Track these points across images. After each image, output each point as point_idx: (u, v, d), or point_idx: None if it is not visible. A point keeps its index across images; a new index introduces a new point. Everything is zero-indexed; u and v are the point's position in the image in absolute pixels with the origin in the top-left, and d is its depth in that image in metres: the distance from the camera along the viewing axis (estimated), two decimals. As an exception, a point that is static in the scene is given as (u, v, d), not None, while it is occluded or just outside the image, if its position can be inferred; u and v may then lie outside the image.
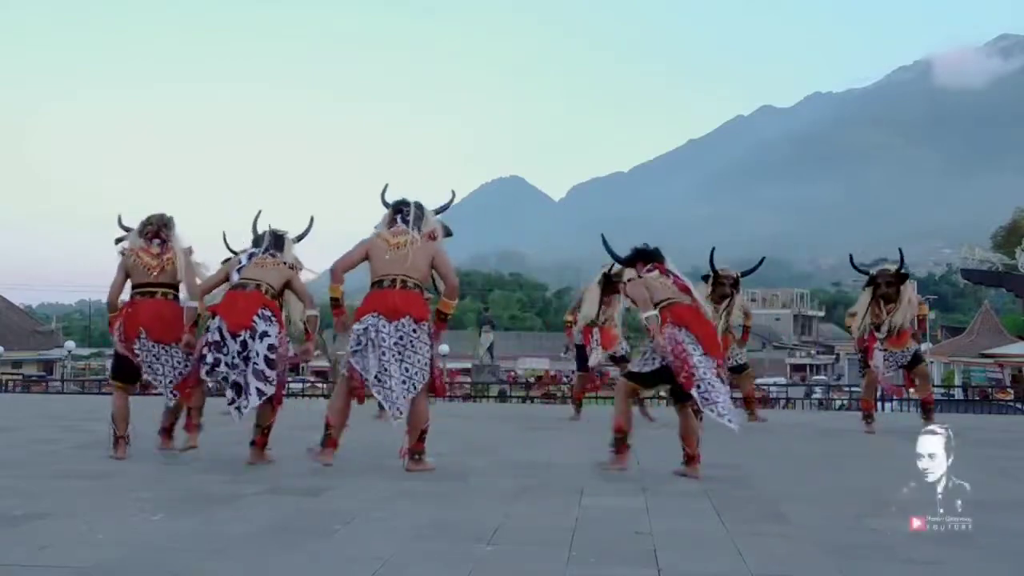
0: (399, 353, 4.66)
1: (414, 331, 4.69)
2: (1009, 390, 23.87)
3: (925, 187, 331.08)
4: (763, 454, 5.99)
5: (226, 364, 4.82)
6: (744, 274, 8.18)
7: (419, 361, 4.70)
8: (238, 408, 4.84)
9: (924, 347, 7.78)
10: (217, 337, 4.84)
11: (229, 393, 4.85)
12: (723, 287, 7.90)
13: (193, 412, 5.25)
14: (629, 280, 5.05)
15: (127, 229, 5.71)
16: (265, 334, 4.87)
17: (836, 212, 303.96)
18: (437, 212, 5.20)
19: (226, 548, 3.10)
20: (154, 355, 5.24)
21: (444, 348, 31.83)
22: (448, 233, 5.20)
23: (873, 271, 7.69)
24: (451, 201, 5.40)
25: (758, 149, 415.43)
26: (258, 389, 4.83)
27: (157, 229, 5.41)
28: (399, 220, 4.96)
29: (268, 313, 4.94)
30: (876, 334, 7.49)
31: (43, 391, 20.58)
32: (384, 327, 4.64)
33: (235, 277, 5.18)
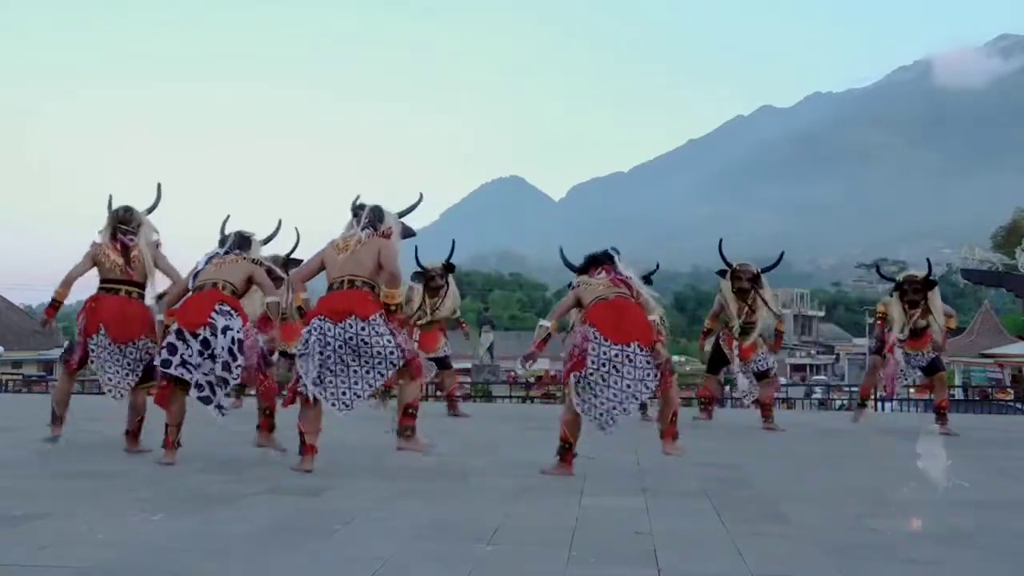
0: (353, 351, 4.68)
1: (363, 328, 4.66)
2: (1009, 390, 23.87)
3: (925, 187, 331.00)
4: (763, 454, 5.99)
5: (185, 364, 4.83)
6: (764, 270, 8.07)
7: (379, 353, 4.69)
8: (218, 407, 4.89)
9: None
10: (173, 339, 4.88)
11: (199, 393, 4.87)
12: (740, 281, 7.75)
13: (171, 429, 5.08)
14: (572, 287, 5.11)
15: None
16: (227, 328, 4.91)
17: (836, 212, 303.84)
18: (402, 214, 5.22)
19: (226, 548, 3.09)
20: (108, 353, 5.40)
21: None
22: (409, 233, 5.24)
23: (899, 277, 7.71)
24: (417, 203, 5.40)
25: (758, 149, 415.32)
26: (223, 379, 4.90)
27: (113, 229, 5.55)
28: (354, 224, 5.02)
29: (227, 308, 4.98)
30: (899, 335, 7.51)
31: (43, 391, 20.59)
32: (329, 329, 4.66)
33: (191, 283, 5.24)
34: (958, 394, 22.79)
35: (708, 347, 8.35)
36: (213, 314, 4.90)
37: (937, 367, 7.74)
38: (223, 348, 4.87)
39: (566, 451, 4.88)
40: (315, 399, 4.70)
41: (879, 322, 7.92)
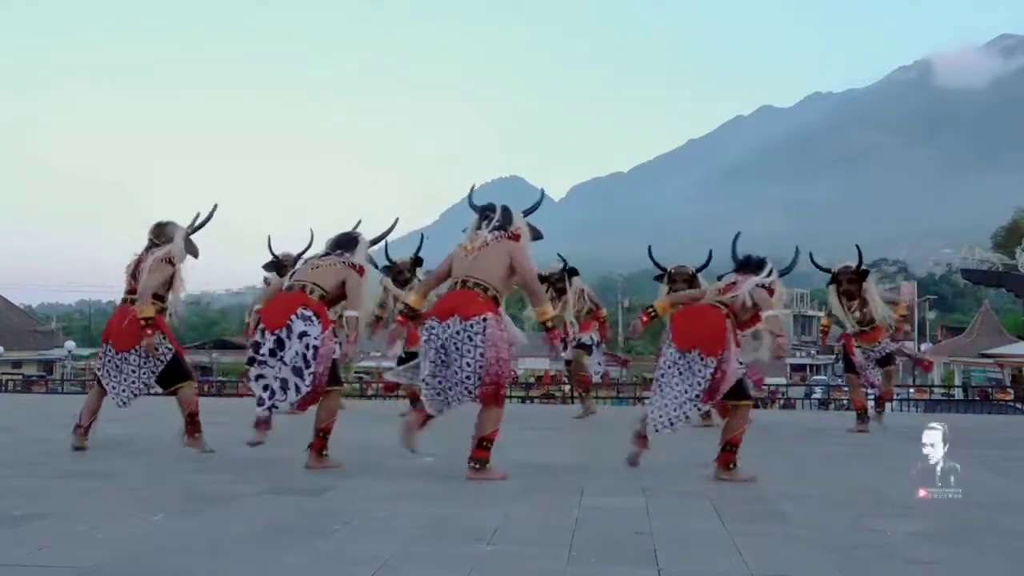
0: (447, 353, 4.52)
1: (457, 332, 4.49)
2: (1009, 390, 23.86)
3: (925, 187, 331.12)
4: (763, 454, 5.99)
5: (259, 362, 4.78)
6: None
7: (468, 365, 4.48)
8: (273, 406, 4.77)
9: (924, 347, 7.79)
10: (258, 337, 4.82)
11: (263, 394, 4.77)
12: (676, 284, 7.60)
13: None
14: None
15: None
16: (304, 333, 4.76)
17: (836, 212, 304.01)
18: (526, 213, 5.02)
19: (226, 548, 3.09)
20: (111, 361, 5.52)
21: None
22: (538, 235, 5.02)
23: (834, 268, 7.66)
24: (538, 203, 5.26)
25: (758, 149, 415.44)
26: (296, 385, 4.76)
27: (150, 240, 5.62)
28: (483, 225, 4.84)
29: (308, 313, 4.80)
30: (850, 331, 7.55)
31: (43, 391, 20.58)
32: (434, 327, 4.56)
33: (285, 284, 5.20)
34: (958, 394, 22.78)
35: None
36: (293, 317, 4.76)
37: (889, 361, 7.73)
38: (296, 354, 4.73)
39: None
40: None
41: (823, 335, 7.91)
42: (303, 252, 7.98)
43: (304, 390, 4.75)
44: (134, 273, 5.59)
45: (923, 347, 39.69)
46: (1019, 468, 5.70)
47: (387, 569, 2.83)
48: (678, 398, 4.65)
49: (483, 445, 4.65)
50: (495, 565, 2.90)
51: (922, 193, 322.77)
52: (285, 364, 4.75)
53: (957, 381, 33.40)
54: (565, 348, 8.03)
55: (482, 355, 4.46)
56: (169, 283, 5.58)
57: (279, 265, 8.05)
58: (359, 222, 5.58)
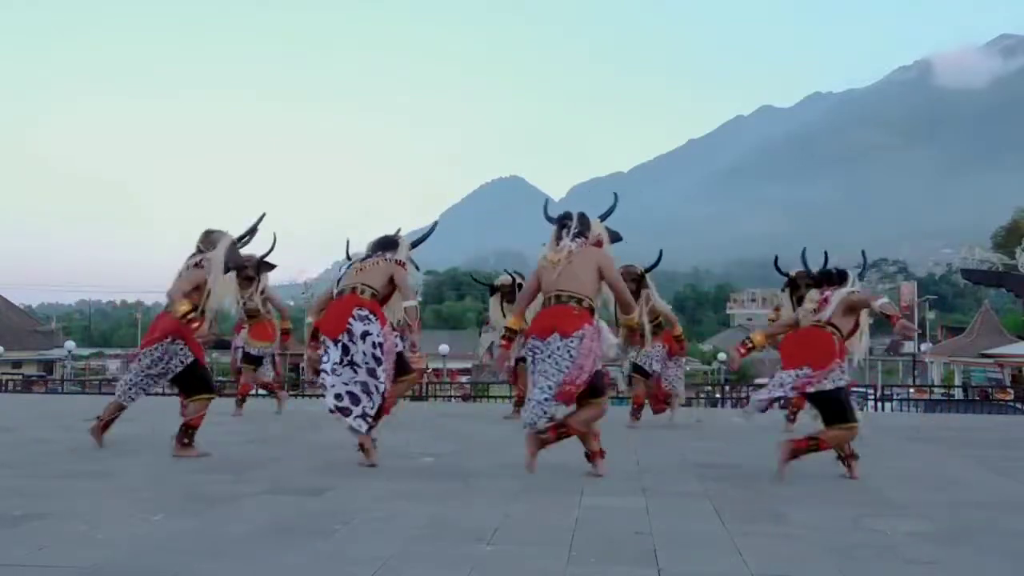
0: (553, 365, 4.54)
1: (558, 348, 4.52)
2: (1009, 390, 23.88)
3: (925, 187, 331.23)
4: (763, 454, 5.99)
5: (325, 373, 4.81)
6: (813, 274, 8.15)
7: (555, 375, 4.52)
8: (362, 417, 4.75)
9: (924, 347, 7.84)
10: (323, 349, 4.86)
11: (343, 402, 4.76)
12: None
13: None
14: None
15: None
16: (366, 333, 4.80)
17: (835, 212, 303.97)
18: (602, 217, 5.07)
19: (226, 548, 3.09)
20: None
21: (444, 348, 31.84)
22: (617, 238, 5.09)
23: (792, 272, 7.59)
24: (613, 207, 5.28)
25: (758, 149, 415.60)
26: (375, 387, 4.80)
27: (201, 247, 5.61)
28: (564, 235, 4.83)
29: (364, 312, 4.85)
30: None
31: (43, 391, 20.59)
32: (537, 346, 4.59)
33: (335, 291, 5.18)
34: (958, 394, 22.79)
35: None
36: (350, 320, 4.80)
37: None
38: (366, 354, 4.76)
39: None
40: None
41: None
42: (266, 255, 8.08)
43: (382, 389, 4.81)
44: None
45: (923, 347, 39.72)
46: (1019, 468, 5.70)
47: (387, 569, 2.83)
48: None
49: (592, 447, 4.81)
50: (495, 565, 2.90)
51: (922, 193, 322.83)
52: (359, 367, 4.76)
53: (957, 381, 33.43)
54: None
55: (570, 366, 4.52)
56: (201, 289, 5.49)
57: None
58: (398, 230, 5.61)
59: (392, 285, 5.10)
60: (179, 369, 5.41)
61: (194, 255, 5.57)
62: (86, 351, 49.00)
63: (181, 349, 5.39)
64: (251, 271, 8.11)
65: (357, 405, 4.76)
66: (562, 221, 4.89)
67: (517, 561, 2.97)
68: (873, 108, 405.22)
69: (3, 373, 24.70)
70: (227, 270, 5.54)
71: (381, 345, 4.82)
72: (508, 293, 8.48)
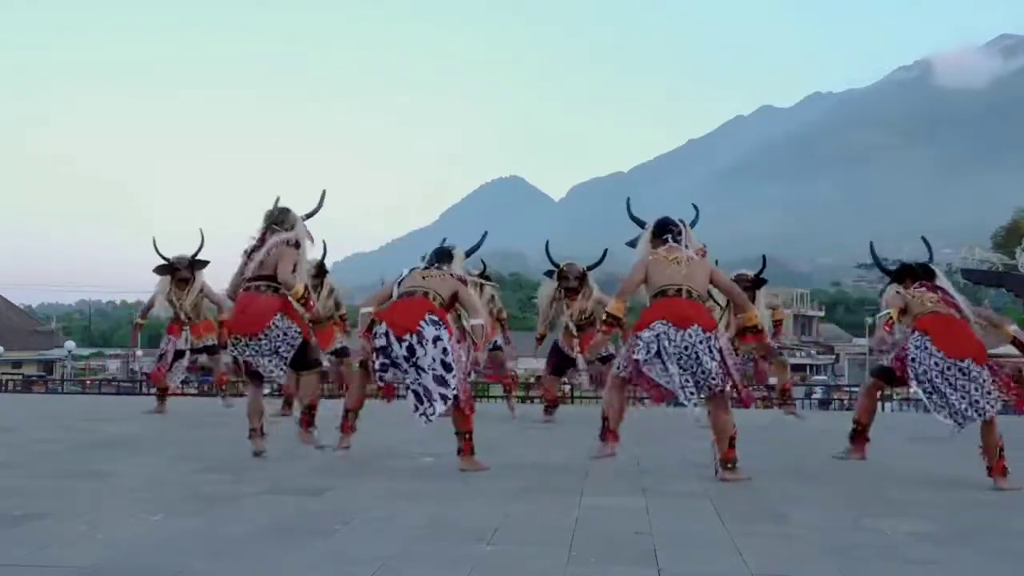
0: (686, 360, 4.63)
1: (700, 341, 4.62)
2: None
3: (925, 187, 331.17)
4: (763, 454, 5.99)
5: (397, 369, 4.78)
6: (760, 276, 8.28)
7: (707, 371, 4.63)
8: (424, 415, 4.72)
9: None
10: (383, 342, 4.78)
11: (411, 399, 4.77)
12: (567, 280, 7.98)
13: (350, 414, 5.34)
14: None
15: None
16: (437, 339, 4.73)
17: (836, 212, 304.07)
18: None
19: (226, 548, 3.09)
20: (254, 350, 5.23)
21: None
22: (703, 252, 5.27)
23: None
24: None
25: (758, 149, 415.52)
26: (442, 395, 4.69)
27: (268, 225, 5.45)
28: (669, 239, 5.01)
29: (435, 319, 4.79)
30: None
31: (43, 391, 20.59)
32: (673, 336, 4.64)
33: (395, 291, 5.12)
34: (958, 394, 22.74)
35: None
36: (422, 323, 4.73)
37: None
38: (434, 360, 4.70)
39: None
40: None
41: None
42: (195, 253, 8.11)
43: (451, 396, 4.72)
44: (251, 255, 5.35)
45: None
46: (1019, 468, 5.70)
47: (387, 569, 2.83)
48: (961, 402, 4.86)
49: (732, 445, 4.77)
50: (495, 565, 2.90)
51: (922, 193, 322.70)
52: (424, 371, 4.70)
53: (957, 381, 33.33)
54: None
55: (719, 365, 4.67)
56: (294, 267, 5.37)
57: (171, 269, 8.16)
58: (443, 240, 5.73)
59: (454, 300, 5.07)
60: (295, 346, 5.29)
61: (269, 234, 5.33)
62: (86, 351, 48.97)
63: (290, 326, 5.26)
64: (185, 272, 8.17)
65: (423, 404, 4.73)
66: (663, 227, 5.11)
67: (517, 561, 2.97)
68: (873, 108, 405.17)
69: (3, 373, 24.67)
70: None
71: (450, 352, 4.75)
72: (574, 279, 8.31)
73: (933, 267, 5.47)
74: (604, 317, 5.07)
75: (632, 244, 5.30)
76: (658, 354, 4.66)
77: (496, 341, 8.52)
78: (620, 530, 3.44)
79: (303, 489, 4.27)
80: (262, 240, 5.38)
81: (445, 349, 4.72)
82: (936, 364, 4.84)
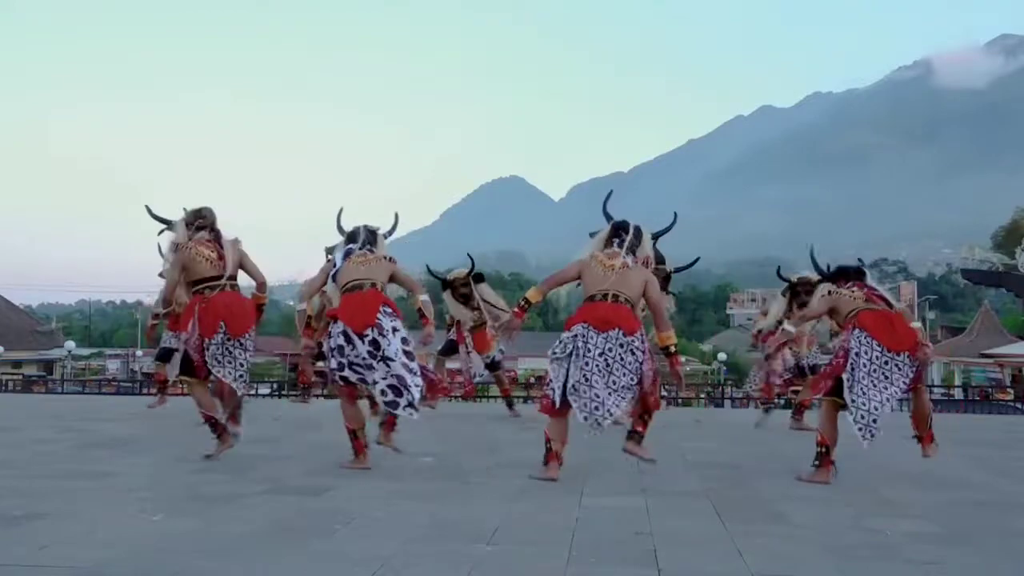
0: (606, 365, 4.57)
1: (621, 345, 4.59)
2: (1009, 390, 23.86)
3: (925, 187, 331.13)
4: (763, 454, 5.99)
5: (355, 367, 4.80)
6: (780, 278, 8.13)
7: (625, 376, 4.59)
8: (409, 406, 4.78)
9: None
10: (341, 341, 4.81)
11: (388, 396, 4.78)
12: (457, 289, 8.33)
13: (359, 432, 5.04)
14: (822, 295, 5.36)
15: (165, 221, 5.71)
16: (395, 328, 4.85)
17: (836, 211, 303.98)
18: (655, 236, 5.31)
19: (226, 548, 3.09)
20: (226, 349, 5.11)
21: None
22: (661, 260, 5.39)
23: (793, 278, 7.82)
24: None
25: (758, 149, 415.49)
26: (414, 382, 4.81)
27: (212, 223, 5.32)
28: (615, 243, 4.91)
29: (389, 310, 4.92)
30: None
31: (43, 391, 20.59)
32: (592, 338, 4.59)
33: (330, 284, 5.15)
34: (958, 394, 22.76)
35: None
36: (379, 316, 4.80)
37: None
38: (398, 350, 4.79)
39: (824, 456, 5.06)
40: (563, 408, 4.66)
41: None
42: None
43: (421, 382, 4.82)
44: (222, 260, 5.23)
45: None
46: (1019, 468, 5.70)
47: (387, 569, 2.83)
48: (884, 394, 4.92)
49: (645, 422, 4.84)
50: (495, 565, 2.90)
51: (922, 193, 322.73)
52: (392, 360, 4.76)
53: (957, 381, 33.38)
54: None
55: (639, 368, 4.67)
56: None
57: None
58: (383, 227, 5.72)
59: (390, 282, 5.14)
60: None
61: (366, 251, 5.22)
62: (86, 351, 48.93)
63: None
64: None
65: (401, 396, 4.78)
66: (617, 229, 4.98)
67: (517, 561, 2.97)
68: (873, 108, 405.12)
69: (3, 373, 24.70)
70: None
71: (408, 341, 4.89)
72: (463, 286, 8.41)
73: (865, 269, 5.42)
74: (520, 302, 4.94)
75: (593, 236, 5.18)
76: (570, 355, 4.59)
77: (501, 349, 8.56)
78: (620, 530, 3.44)
79: (303, 489, 4.28)
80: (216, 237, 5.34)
81: (404, 338, 4.84)
82: (876, 358, 4.82)
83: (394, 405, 4.79)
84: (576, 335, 4.61)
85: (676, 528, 3.50)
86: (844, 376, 4.83)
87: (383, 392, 4.80)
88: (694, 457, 5.58)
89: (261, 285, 5.41)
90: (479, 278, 8.53)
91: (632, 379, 4.59)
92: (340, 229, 5.56)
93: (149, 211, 5.89)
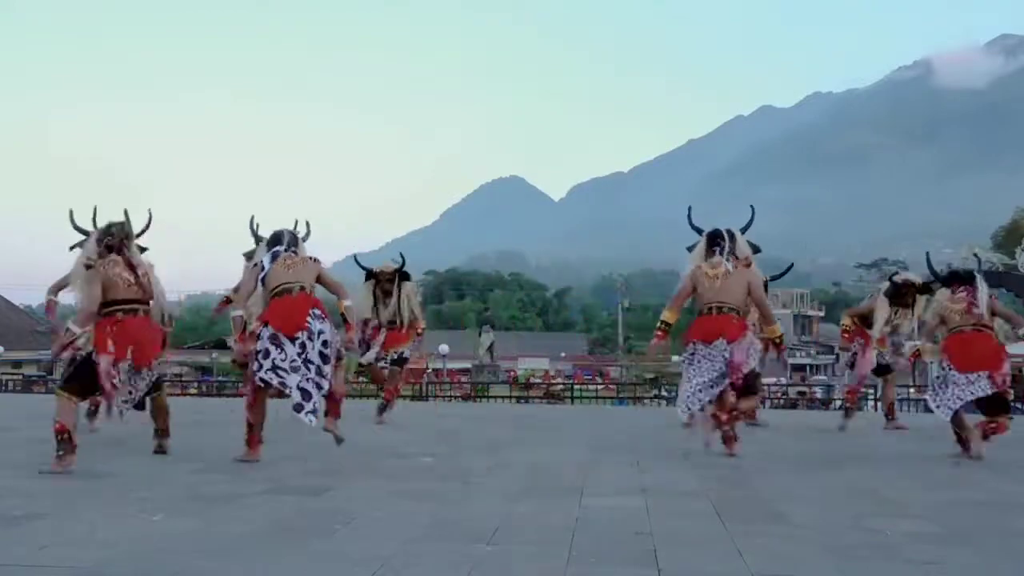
0: (707, 367, 5.47)
1: (724, 351, 5.42)
2: (1009, 390, 23.80)
3: (925, 187, 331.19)
4: (763, 454, 5.99)
5: (281, 371, 4.86)
6: (773, 278, 8.17)
7: (711, 372, 5.48)
8: (310, 413, 4.87)
9: (910, 346, 7.97)
10: (268, 345, 4.87)
11: (297, 398, 4.86)
12: (381, 284, 8.17)
13: (256, 429, 5.18)
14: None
15: (84, 233, 5.41)
16: (321, 332, 4.95)
17: (836, 212, 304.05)
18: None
19: (226, 548, 3.10)
20: (129, 376, 5.00)
21: (444, 348, 31.87)
22: (756, 250, 5.92)
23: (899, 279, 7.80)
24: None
25: (758, 149, 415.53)
26: (317, 385, 4.92)
27: (120, 241, 5.13)
28: (716, 252, 5.60)
29: (318, 312, 5.02)
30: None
31: (43, 391, 20.57)
32: (702, 349, 5.43)
33: (259, 287, 5.20)
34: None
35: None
36: (309, 319, 4.91)
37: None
38: (318, 354, 4.91)
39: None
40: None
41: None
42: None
43: (325, 388, 4.94)
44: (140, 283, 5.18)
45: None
46: (1019, 468, 5.70)
47: (387, 569, 2.83)
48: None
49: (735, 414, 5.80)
50: (495, 565, 2.90)
51: (922, 193, 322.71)
52: (311, 364, 4.89)
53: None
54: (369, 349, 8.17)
55: (725, 367, 5.57)
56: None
57: None
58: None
59: (317, 283, 5.24)
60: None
61: (291, 252, 5.33)
62: (86, 351, 48.81)
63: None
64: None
65: (309, 400, 4.89)
66: (714, 238, 5.70)
67: (517, 561, 2.97)
68: (873, 108, 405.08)
69: (3, 373, 24.66)
70: None
71: (329, 344, 4.98)
72: (387, 281, 8.18)
73: (976, 273, 5.83)
74: (659, 324, 5.70)
75: (691, 249, 5.88)
76: (699, 363, 5.52)
77: (404, 351, 8.31)
78: (620, 530, 3.44)
79: (303, 489, 4.28)
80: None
81: (325, 342, 4.95)
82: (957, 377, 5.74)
83: (299, 408, 4.88)
84: (695, 352, 5.50)
85: (676, 528, 3.50)
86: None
87: (295, 392, 4.88)
88: (694, 457, 5.59)
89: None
90: (406, 276, 8.35)
91: (714, 376, 5.42)
92: (255, 235, 5.70)
93: (71, 218, 5.67)
